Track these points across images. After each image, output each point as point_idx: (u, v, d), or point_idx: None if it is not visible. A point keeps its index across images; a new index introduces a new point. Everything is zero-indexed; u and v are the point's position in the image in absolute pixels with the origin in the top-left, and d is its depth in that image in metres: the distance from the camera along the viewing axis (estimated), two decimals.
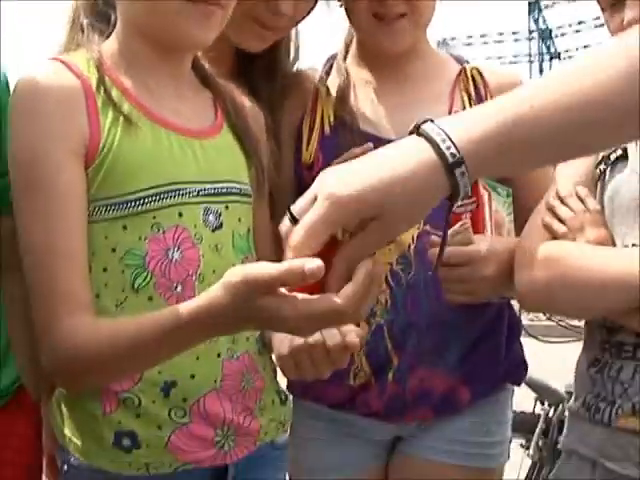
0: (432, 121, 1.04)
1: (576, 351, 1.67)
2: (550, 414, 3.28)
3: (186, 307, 1.20)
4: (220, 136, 1.53)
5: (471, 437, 1.83)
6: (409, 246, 1.72)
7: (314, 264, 1.01)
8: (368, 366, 1.77)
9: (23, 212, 1.37)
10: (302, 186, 1.73)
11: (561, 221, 1.54)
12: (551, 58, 38.17)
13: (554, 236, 1.53)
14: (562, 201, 1.56)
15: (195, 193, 1.44)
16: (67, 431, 1.47)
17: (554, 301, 1.53)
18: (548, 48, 38.42)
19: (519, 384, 1.93)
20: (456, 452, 1.82)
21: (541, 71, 34.05)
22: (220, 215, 1.47)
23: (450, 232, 1.60)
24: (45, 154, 1.34)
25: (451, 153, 1.00)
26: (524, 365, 1.91)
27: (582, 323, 1.68)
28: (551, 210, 1.56)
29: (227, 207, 1.49)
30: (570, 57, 37.34)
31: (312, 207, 1.01)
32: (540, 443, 3.25)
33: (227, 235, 1.48)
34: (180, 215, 1.42)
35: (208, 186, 1.46)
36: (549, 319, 3.39)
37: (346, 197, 0.99)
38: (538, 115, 1.00)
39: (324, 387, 1.73)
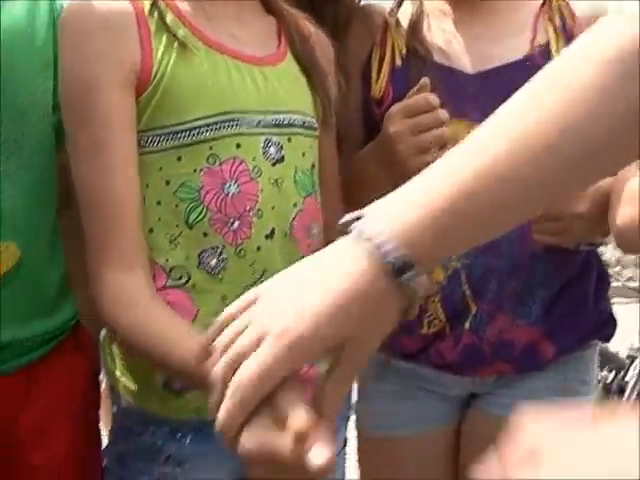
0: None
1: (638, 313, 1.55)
2: (609, 380, 3.13)
3: None
4: (283, 64, 1.44)
5: (552, 396, 1.70)
6: None
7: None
8: (443, 314, 1.66)
9: (74, 146, 1.31)
10: (370, 122, 1.64)
11: None
12: None
13: None
14: None
15: (255, 123, 1.36)
16: (117, 372, 1.43)
17: None
18: None
19: (607, 340, 1.80)
20: None
21: None
22: (282, 148, 1.38)
23: None
24: (95, 83, 1.27)
25: (394, 257, 0.83)
26: (613, 321, 1.77)
27: None
28: None
29: (289, 140, 1.40)
30: None
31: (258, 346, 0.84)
32: None
33: (289, 170, 1.39)
34: (238, 146, 1.34)
35: (269, 117, 1.38)
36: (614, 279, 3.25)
37: (306, 335, 0.83)
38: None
39: (396, 337, 1.63)
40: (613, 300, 3.16)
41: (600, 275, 1.75)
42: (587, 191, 1.52)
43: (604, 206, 1.52)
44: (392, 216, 0.86)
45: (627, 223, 1.44)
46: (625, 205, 1.46)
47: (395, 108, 1.48)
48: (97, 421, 1.54)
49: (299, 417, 0.83)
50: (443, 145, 1.46)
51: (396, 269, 0.83)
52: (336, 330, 0.84)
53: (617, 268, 8.15)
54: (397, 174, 1.55)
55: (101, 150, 1.27)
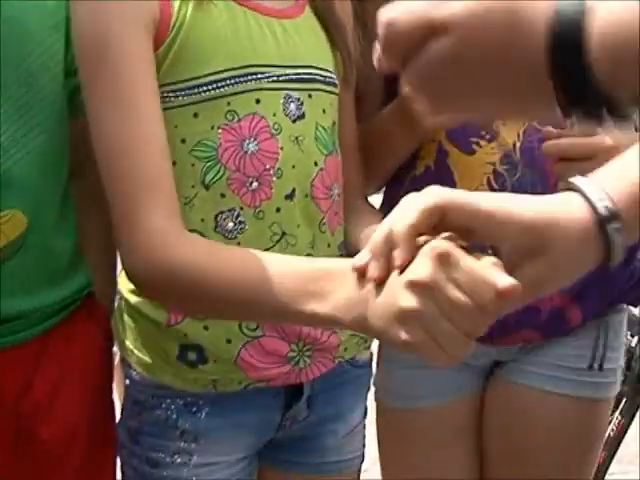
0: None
1: None
2: (633, 344, 3.06)
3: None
4: (303, 17, 1.36)
5: (580, 363, 1.64)
6: (514, 145, 1.53)
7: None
8: None
9: (96, 100, 1.20)
10: (390, 83, 1.57)
11: None
12: None
13: None
14: None
15: (275, 78, 1.29)
16: (129, 343, 1.37)
17: None
18: None
19: (636, 305, 1.74)
20: (564, 380, 1.64)
21: None
22: (302, 104, 1.31)
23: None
24: (112, 34, 1.18)
25: (604, 206, 0.88)
26: None
27: None
28: None
29: (310, 96, 1.33)
30: None
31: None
32: (622, 377, 3.06)
33: (310, 127, 1.32)
34: (258, 102, 1.27)
35: (289, 71, 1.31)
36: None
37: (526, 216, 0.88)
38: None
39: None
40: None
41: None
42: (623, 145, 1.44)
43: None
44: (604, 183, 0.91)
45: None
46: None
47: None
48: (110, 394, 1.47)
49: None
50: None
51: (604, 217, 0.87)
52: (543, 232, 0.88)
53: None
54: (416, 134, 1.48)
55: (127, 98, 1.18)
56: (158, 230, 1.13)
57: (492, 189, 1.52)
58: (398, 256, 0.89)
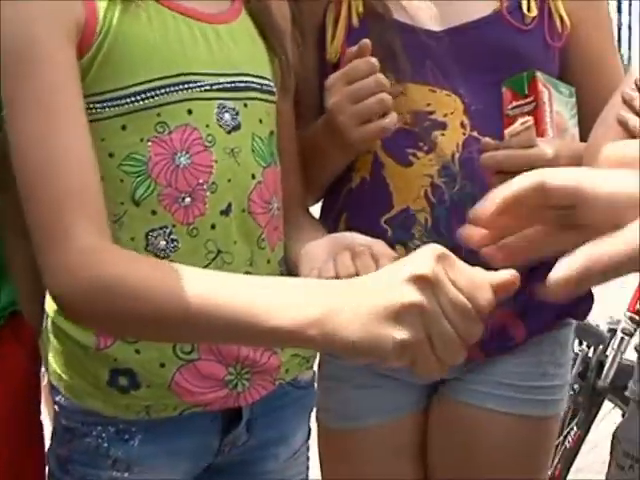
0: None
1: (618, 285, 1.44)
2: (589, 355, 3.06)
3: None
4: (238, 22, 1.31)
5: (525, 381, 1.61)
6: (453, 155, 1.49)
7: None
8: None
9: (13, 107, 1.12)
10: None
11: None
12: None
13: (632, 134, 1.28)
14: None
15: (208, 87, 1.23)
16: (56, 366, 1.30)
17: None
18: None
19: (583, 318, 1.70)
20: (508, 398, 1.60)
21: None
22: (238, 114, 1.26)
23: (508, 132, 1.38)
24: (32, 36, 1.11)
25: None
26: (589, 296, 1.66)
27: None
28: (628, 103, 1.31)
29: (246, 105, 1.27)
30: None
31: None
32: (576, 387, 3.04)
33: (246, 138, 1.27)
34: (190, 112, 1.21)
35: (223, 79, 1.25)
36: None
37: None
38: None
39: None
40: None
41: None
42: (562, 157, 1.40)
43: None
44: None
45: None
46: None
47: (333, 77, 1.37)
48: (36, 418, 1.39)
49: None
50: (386, 112, 1.36)
51: None
52: None
53: None
54: (346, 147, 1.43)
55: (47, 104, 1.10)
56: (90, 247, 1.05)
57: (429, 202, 1.48)
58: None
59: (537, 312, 1.57)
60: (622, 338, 2.87)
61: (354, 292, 0.90)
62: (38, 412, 1.40)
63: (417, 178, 1.49)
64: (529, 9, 1.53)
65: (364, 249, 1.21)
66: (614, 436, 1.47)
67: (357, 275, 1.14)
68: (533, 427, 1.63)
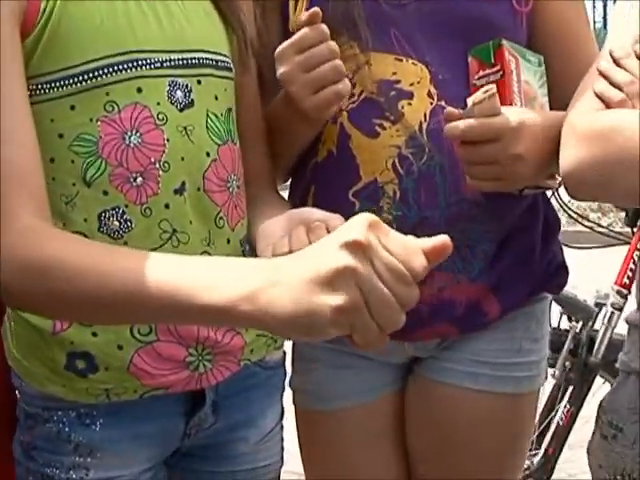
0: None
1: (605, 258, 1.43)
2: (579, 331, 3.04)
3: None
4: None
5: (500, 358, 1.58)
6: (420, 125, 1.46)
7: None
8: None
9: None
10: None
11: (617, 87, 1.27)
12: None
13: (608, 105, 1.26)
14: (617, 63, 1.29)
15: (158, 64, 1.21)
16: (15, 351, 1.28)
17: (610, 183, 1.25)
18: None
19: (558, 292, 1.67)
20: (482, 375, 1.58)
21: None
22: (190, 91, 1.24)
23: (471, 100, 1.35)
24: None
25: None
26: (564, 269, 1.64)
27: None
28: (604, 74, 1.29)
29: (199, 82, 1.25)
30: None
31: None
32: (567, 364, 3.02)
33: (199, 115, 1.25)
34: (139, 91, 1.20)
35: (175, 56, 1.23)
36: (577, 222, 3.15)
37: None
38: None
39: None
40: (579, 245, 3.08)
41: (548, 221, 1.61)
42: (529, 126, 1.38)
43: (548, 144, 1.35)
44: None
45: (573, 165, 1.30)
46: (566, 145, 1.31)
47: (282, 46, 1.35)
48: (7, 408, 1.37)
49: None
50: (339, 79, 1.34)
51: None
52: None
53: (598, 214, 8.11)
54: (305, 117, 1.41)
55: None
56: (29, 228, 1.03)
57: (397, 173, 1.46)
58: None
59: (511, 287, 1.55)
60: (612, 313, 2.84)
61: (289, 265, 0.89)
62: (7, 402, 1.38)
63: (384, 149, 1.46)
64: None
65: (319, 224, 1.20)
66: (600, 406, 1.46)
67: None
68: (510, 404, 1.60)
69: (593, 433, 1.47)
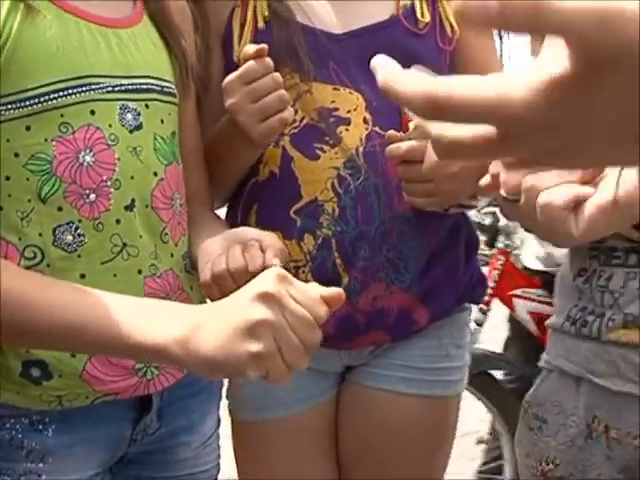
0: None
1: None
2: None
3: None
4: (139, 27, 1.36)
5: (429, 363, 1.68)
6: (357, 149, 1.56)
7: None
8: None
9: None
10: None
11: None
12: None
13: None
14: None
15: (110, 88, 1.28)
16: None
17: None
18: None
19: (478, 302, 1.79)
20: (413, 380, 1.68)
21: None
22: (139, 114, 1.31)
23: (413, 124, 1.46)
24: None
25: None
26: (484, 282, 1.77)
27: None
28: None
29: (147, 106, 1.32)
30: None
31: None
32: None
33: (147, 137, 1.32)
34: (92, 113, 1.25)
35: (125, 81, 1.30)
36: None
37: None
38: None
39: None
40: None
41: (469, 237, 1.73)
42: None
43: (478, 166, 1.47)
44: None
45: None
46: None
47: (229, 78, 1.42)
48: None
49: None
50: (284, 108, 1.42)
51: None
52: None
53: None
54: (250, 143, 1.49)
55: None
56: None
57: (336, 193, 1.55)
58: None
59: (438, 297, 1.66)
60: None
61: (214, 313, 1.03)
62: None
63: (324, 170, 1.55)
64: (422, 15, 1.61)
65: (254, 242, 1.28)
66: (524, 402, 1.58)
67: (247, 267, 1.23)
68: (438, 407, 1.70)
69: (519, 426, 1.59)
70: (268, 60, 1.40)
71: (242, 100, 1.41)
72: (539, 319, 3.04)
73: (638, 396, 1.42)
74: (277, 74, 1.41)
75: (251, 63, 1.39)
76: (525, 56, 2.71)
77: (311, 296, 1.00)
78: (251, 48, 1.40)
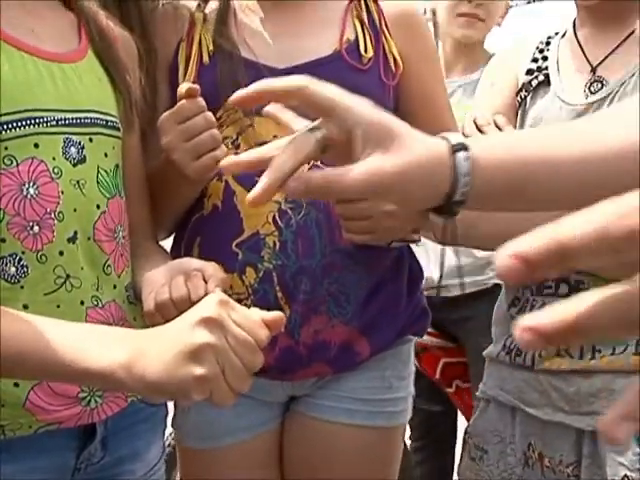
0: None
1: None
2: None
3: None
4: (84, 62, 1.39)
5: (372, 394, 1.71)
6: None
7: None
8: None
9: None
10: None
11: None
12: None
13: None
14: (480, 130, 1.47)
15: (54, 122, 1.30)
16: None
17: (476, 231, 1.43)
18: None
19: (421, 335, 1.82)
20: (357, 411, 1.70)
21: None
22: (83, 148, 1.34)
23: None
24: None
25: (458, 142, 0.92)
26: (427, 314, 1.79)
27: None
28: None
29: (91, 140, 1.35)
30: None
31: None
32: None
33: (91, 170, 1.35)
34: (36, 146, 1.28)
35: (69, 115, 1.33)
36: None
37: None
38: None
39: None
40: None
41: (412, 270, 1.76)
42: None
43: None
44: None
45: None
46: None
47: (163, 117, 1.46)
48: None
49: None
50: (216, 146, 1.45)
51: (455, 145, 0.91)
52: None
53: None
54: (189, 180, 1.51)
55: None
56: None
57: (277, 226, 1.58)
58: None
59: (379, 330, 1.68)
60: None
61: (157, 338, 1.06)
62: None
63: (266, 205, 1.58)
64: (366, 50, 1.64)
65: (197, 272, 1.31)
66: (465, 433, 1.61)
67: (189, 296, 1.26)
68: (382, 437, 1.73)
69: (461, 457, 1.62)
70: (200, 100, 1.43)
71: (175, 139, 1.44)
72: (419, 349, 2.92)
73: (568, 425, 1.45)
74: (209, 113, 1.44)
75: (183, 102, 1.43)
76: None
77: (252, 320, 1.03)
78: (184, 87, 1.43)
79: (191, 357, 1.00)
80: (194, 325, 1.00)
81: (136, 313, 1.42)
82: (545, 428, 1.49)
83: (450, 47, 2.82)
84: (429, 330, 2.76)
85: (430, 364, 2.84)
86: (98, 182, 1.35)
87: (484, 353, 1.66)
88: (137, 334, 1.10)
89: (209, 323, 1.00)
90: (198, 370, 0.99)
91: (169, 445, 2.24)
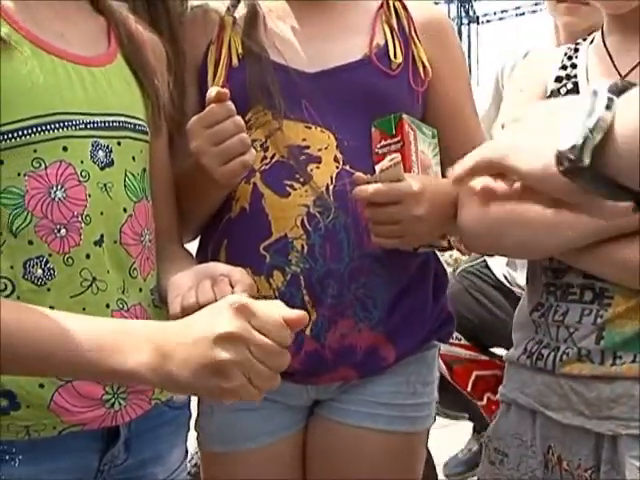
0: None
1: None
2: None
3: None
4: (113, 66, 1.40)
5: (396, 399, 1.71)
6: (327, 187, 1.60)
7: None
8: None
9: None
10: None
11: None
12: (469, 22, 37.65)
13: None
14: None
15: (82, 126, 1.31)
16: None
17: (503, 239, 1.45)
18: (467, 12, 37.75)
19: (447, 340, 1.82)
20: (380, 416, 1.70)
21: (460, 35, 33.23)
22: (111, 152, 1.34)
23: (378, 167, 1.50)
24: None
25: None
26: (452, 320, 1.79)
27: None
28: None
29: (119, 143, 1.36)
30: (489, 21, 37.43)
31: None
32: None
33: (118, 174, 1.35)
34: (65, 149, 1.29)
35: (98, 119, 1.33)
36: None
37: None
38: None
39: None
40: None
41: (438, 275, 1.76)
42: (428, 191, 1.53)
43: (444, 207, 1.52)
44: None
45: (471, 224, 1.48)
46: (466, 206, 1.48)
47: (192, 121, 1.46)
48: None
49: None
50: (245, 150, 1.45)
51: None
52: None
53: None
54: (217, 183, 1.52)
55: None
56: None
57: (305, 230, 1.58)
58: None
59: (405, 335, 1.68)
60: None
61: (182, 338, 1.06)
62: None
63: (294, 208, 1.59)
64: (395, 56, 1.65)
65: (223, 277, 1.31)
66: (486, 437, 1.61)
67: (216, 300, 1.24)
68: (405, 442, 1.72)
69: (481, 463, 1.62)
70: (229, 104, 1.43)
71: (204, 143, 1.44)
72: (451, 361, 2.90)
73: (588, 429, 1.45)
74: (238, 117, 1.44)
75: (213, 106, 1.43)
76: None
77: (273, 321, 1.02)
78: (213, 91, 1.43)
79: (216, 373, 1.01)
80: (214, 343, 1.01)
81: (161, 316, 1.42)
82: (565, 432, 1.48)
83: (565, 40, 2.39)
84: (462, 342, 2.77)
85: (462, 377, 2.84)
86: (125, 186, 1.36)
87: (504, 356, 1.66)
88: (160, 331, 1.10)
89: (230, 339, 1.00)
90: (224, 383, 1.01)
91: (195, 465, 2.25)
